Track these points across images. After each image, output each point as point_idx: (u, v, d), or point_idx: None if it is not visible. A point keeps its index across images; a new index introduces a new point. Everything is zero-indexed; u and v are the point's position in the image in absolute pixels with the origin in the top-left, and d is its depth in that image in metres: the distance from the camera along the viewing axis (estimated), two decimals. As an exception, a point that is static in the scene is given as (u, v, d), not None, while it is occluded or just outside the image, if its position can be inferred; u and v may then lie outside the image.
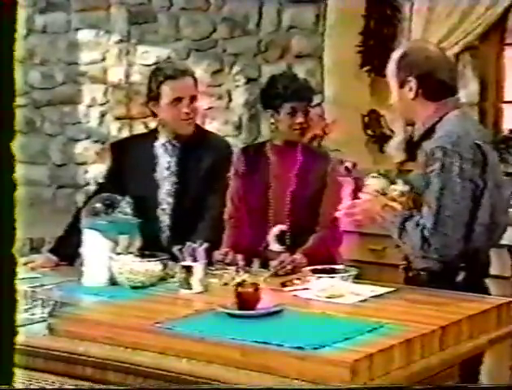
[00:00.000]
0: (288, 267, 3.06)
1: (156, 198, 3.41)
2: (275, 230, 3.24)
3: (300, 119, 3.27)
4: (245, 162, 3.38)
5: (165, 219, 3.41)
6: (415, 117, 2.84)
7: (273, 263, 3.08)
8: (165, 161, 3.41)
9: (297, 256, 3.12)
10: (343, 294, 2.68)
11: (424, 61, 2.79)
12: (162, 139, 3.43)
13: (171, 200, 3.40)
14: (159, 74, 3.37)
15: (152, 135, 3.50)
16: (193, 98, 3.35)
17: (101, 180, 3.69)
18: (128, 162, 3.46)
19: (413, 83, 2.76)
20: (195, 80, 3.40)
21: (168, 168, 3.41)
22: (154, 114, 3.44)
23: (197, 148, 3.39)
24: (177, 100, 3.33)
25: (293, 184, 3.30)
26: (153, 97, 3.38)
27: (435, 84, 2.78)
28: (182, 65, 3.47)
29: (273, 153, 3.36)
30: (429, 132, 2.78)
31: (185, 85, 3.34)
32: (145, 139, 3.54)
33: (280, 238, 3.24)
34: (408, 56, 2.79)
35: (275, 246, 3.24)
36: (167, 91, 3.33)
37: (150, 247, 3.09)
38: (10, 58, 1.39)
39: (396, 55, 2.81)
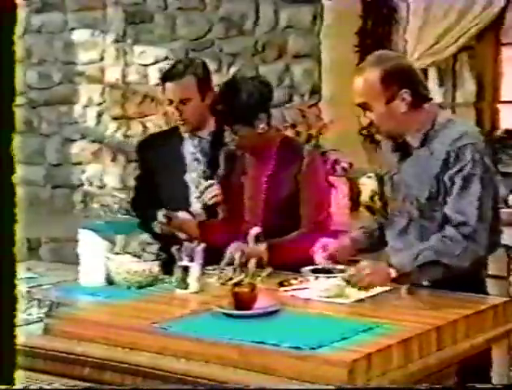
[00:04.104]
0: (241, 258, 3.01)
1: (187, 190, 3.48)
2: (253, 231, 3.17)
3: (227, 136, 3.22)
4: (225, 161, 3.38)
5: (197, 208, 3.43)
6: (407, 128, 2.80)
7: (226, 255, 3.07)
8: (190, 152, 3.50)
9: (259, 247, 3.08)
10: (341, 294, 2.68)
11: (410, 70, 2.84)
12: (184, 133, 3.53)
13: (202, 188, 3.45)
14: (160, 75, 3.58)
15: (176, 130, 3.56)
16: (186, 101, 3.38)
17: (135, 183, 3.76)
18: (156, 158, 3.53)
19: (406, 95, 2.75)
20: (198, 79, 3.41)
21: (195, 159, 3.49)
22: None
23: (218, 142, 3.44)
24: (170, 102, 3.41)
25: (265, 188, 3.25)
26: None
27: (421, 90, 2.83)
28: (182, 66, 3.43)
29: (249, 153, 3.31)
30: (426, 137, 2.80)
31: (176, 88, 3.39)
32: (170, 134, 3.62)
33: (258, 239, 3.18)
34: (394, 71, 2.77)
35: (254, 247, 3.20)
36: (163, 92, 3.45)
37: None
38: (10, 59, 1.39)
39: (373, 76, 2.76)
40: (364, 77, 2.77)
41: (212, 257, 2.97)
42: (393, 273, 2.60)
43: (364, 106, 2.79)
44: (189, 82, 3.39)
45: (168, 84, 3.41)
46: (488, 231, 2.70)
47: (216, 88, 3.44)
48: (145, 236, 3.11)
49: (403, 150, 2.85)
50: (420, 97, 2.80)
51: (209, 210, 3.40)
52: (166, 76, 3.43)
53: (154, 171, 3.53)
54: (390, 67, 2.77)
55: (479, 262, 2.86)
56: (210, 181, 3.34)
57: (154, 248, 3.23)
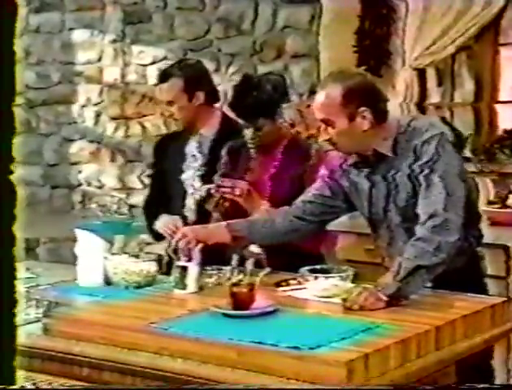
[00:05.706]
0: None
1: (183, 186, 3.53)
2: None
3: (248, 133, 3.22)
4: (229, 157, 3.38)
5: (191, 204, 3.44)
6: (369, 144, 2.79)
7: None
8: (190, 151, 3.54)
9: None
10: (340, 294, 2.67)
11: (373, 88, 2.82)
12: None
13: (197, 185, 3.47)
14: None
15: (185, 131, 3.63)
16: (171, 103, 3.47)
17: (148, 181, 3.85)
18: (165, 157, 3.62)
19: (367, 112, 2.73)
20: (186, 81, 3.45)
21: (192, 156, 3.53)
22: None
23: (221, 140, 3.47)
24: (167, 102, 3.51)
25: (269, 185, 3.25)
26: None
27: (382, 106, 2.81)
28: (169, 69, 3.54)
29: (256, 150, 3.30)
30: (396, 142, 2.78)
31: (164, 89, 3.49)
32: (180, 134, 3.66)
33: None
34: (356, 88, 2.75)
35: (251, 247, 3.18)
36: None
37: None
38: (10, 60, 1.38)
39: (335, 91, 2.73)
40: (326, 92, 2.75)
41: (210, 257, 2.97)
42: (383, 296, 2.57)
43: (327, 122, 2.77)
44: (173, 85, 3.46)
45: (159, 85, 3.53)
46: (462, 220, 2.66)
47: (219, 87, 3.50)
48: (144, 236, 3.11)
49: (373, 162, 2.82)
50: (382, 114, 2.78)
51: (201, 210, 3.39)
52: (157, 78, 3.59)
53: (165, 170, 3.60)
54: (352, 84, 2.75)
55: (473, 255, 2.86)
56: (208, 186, 3.30)
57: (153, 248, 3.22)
